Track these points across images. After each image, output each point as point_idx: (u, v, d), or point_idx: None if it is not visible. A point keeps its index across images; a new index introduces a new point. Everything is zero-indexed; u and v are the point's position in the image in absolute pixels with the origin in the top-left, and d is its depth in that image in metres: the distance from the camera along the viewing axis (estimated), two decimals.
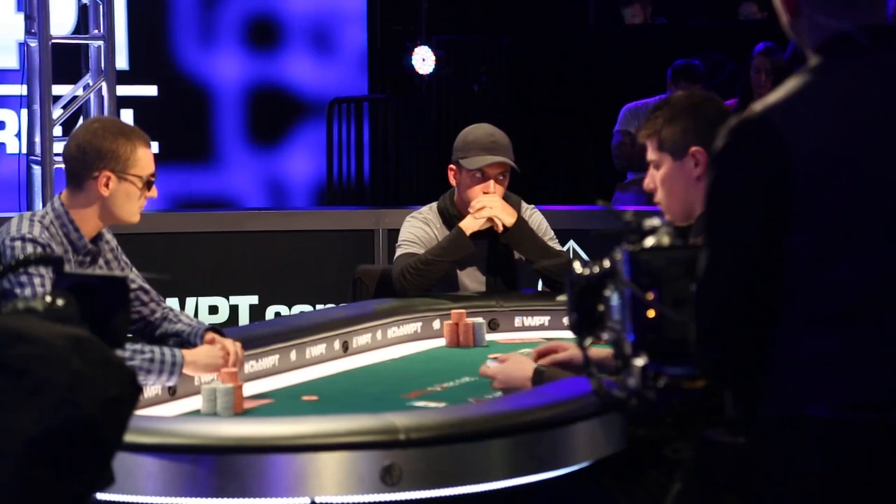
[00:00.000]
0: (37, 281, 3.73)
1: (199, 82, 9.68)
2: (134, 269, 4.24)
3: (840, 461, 2.32)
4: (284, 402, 3.95)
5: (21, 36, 7.34)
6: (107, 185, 3.98)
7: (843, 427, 2.31)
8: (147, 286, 4.21)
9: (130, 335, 4.14)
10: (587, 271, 2.43)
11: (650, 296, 2.29)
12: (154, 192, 4.07)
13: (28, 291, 3.71)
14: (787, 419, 2.36)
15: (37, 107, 7.00)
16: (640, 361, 2.31)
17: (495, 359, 3.99)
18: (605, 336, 2.43)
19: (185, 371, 3.90)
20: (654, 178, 3.63)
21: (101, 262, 4.09)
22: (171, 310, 4.25)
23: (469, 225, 5.12)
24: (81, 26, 7.52)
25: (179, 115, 9.60)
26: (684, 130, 3.57)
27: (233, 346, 4.00)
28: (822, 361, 2.33)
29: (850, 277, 2.33)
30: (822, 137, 2.35)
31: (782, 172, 2.33)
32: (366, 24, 9.98)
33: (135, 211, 4.05)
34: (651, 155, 3.63)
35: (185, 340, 4.09)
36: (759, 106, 2.43)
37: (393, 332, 4.93)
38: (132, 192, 4.00)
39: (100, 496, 2.06)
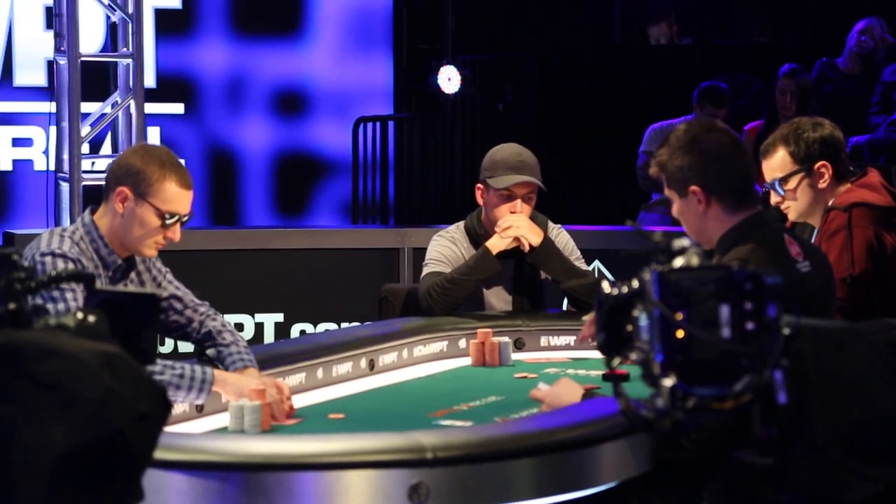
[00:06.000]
0: (69, 296, 3.74)
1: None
2: (169, 274, 4.19)
3: None
4: (311, 420, 3.95)
5: (50, 53, 7.38)
6: (122, 203, 3.92)
7: None
8: (180, 294, 4.16)
9: (165, 345, 4.13)
10: (616, 291, 2.42)
11: (679, 316, 2.29)
12: (175, 235, 3.95)
13: (61, 306, 3.71)
14: None
15: (65, 124, 7.03)
16: (668, 382, 2.31)
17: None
18: (634, 356, 2.43)
19: (216, 388, 3.89)
20: (675, 213, 3.70)
21: (132, 275, 4.07)
22: (213, 318, 4.18)
23: (496, 244, 5.12)
24: (110, 44, 7.56)
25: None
26: (681, 168, 3.63)
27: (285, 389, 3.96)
28: None
29: None
30: None
31: None
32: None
33: (148, 243, 3.95)
34: (665, 192, 3.71)
35: (221, 361, 4.08)
36: None
37: (419, 350, 4.94)
38: (147, 220, 3.91)
39: None
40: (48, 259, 3.87)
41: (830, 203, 4.42)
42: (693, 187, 3.60)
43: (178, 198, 3.94)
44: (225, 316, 7.00)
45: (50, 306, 3.67)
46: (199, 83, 9.60)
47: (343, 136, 9.86)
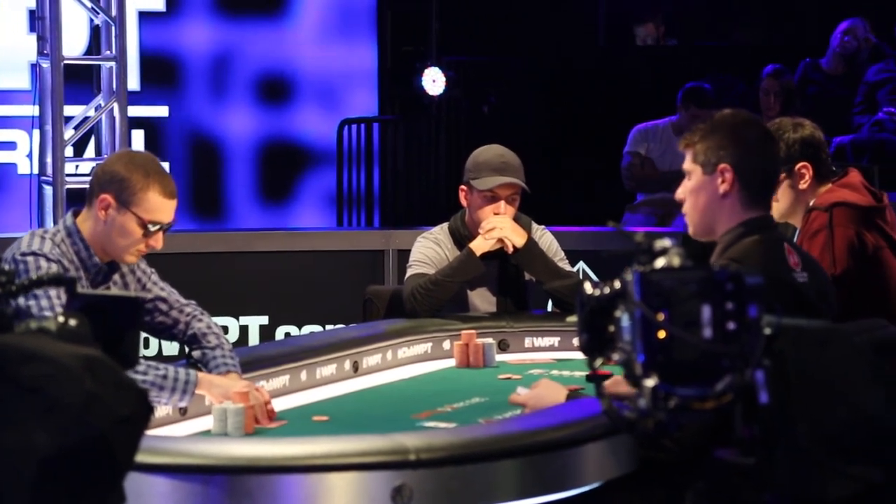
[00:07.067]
0: (52, 293, 3.73)
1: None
2: (154, 275, 4.17)
3: None
4: (295, 423, 3.95)
5: (33, 56, 7.37)
6: (105, 210, 3.91)
7: None
8: (165, 294, 4.15)
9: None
10: (598, 292, 2.43)
11: (661, 316, 2.29)
12: (157, 243, 3.94)
13: (44, 302, 3.71)
14: None
15: (48, 127, 7.02)
16: (650, 382, 2.31)
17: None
18: (616, 357, 2.43)
19: (200, 391, 3.89)
20: (684, 188, 3.66)
21: (115, 277, 4.06)
22: (199, 319, 4.16)
23: (479, 245, 5.13)
24: (93, 47, 7.55)
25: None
26: (718, 146, 3.60)
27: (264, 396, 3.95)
28: None
29: None
30: None
31: None
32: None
33: (131, 251, 3.93)
34: (685, 165, 3.67)
35: (205, 364, 4.08)
36: None
37: (403, 352, 4.94)
38: (128, 229, 3.90)
39: None
40: (29, 259, 3.86)
41: (811, 203, 4.43)
42: (724, 165, 3.58)
43: (161, 207, 3.92)
44: None
45: (32, 302, 3.68)
46: (182, 65, 9.59)
47: (327, 124, 9.85)
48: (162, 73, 9.45)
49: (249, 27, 9.73)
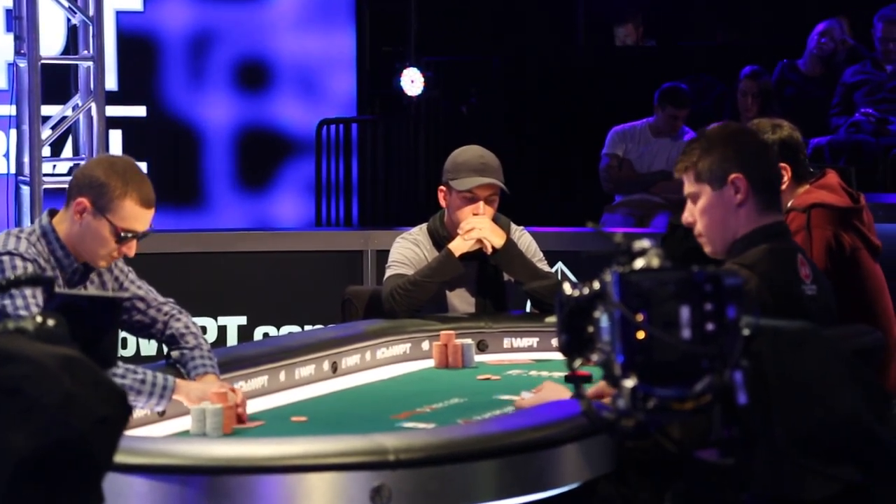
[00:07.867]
0: (28, 292, 3.72)
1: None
2: (131, 274, 4.15)
3: None
4: (273, 423, 3.94)
5: (10, 56, 7.34)
6: (81, 214, 3.89)
7: None
8: (143, 293, 4.13)
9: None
10: (577, 292, 2.43)
11: (640, 317, 2.30)
12: (130, 251, 3.92)
13: (20, 302, 3.69)
14: None
15: (26, 127, 6.99)
16: (629, 383, 2.31)
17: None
18: (595, 357, 2.44)
19: (177, 396, 3.88)
20: (692, 212, 3.60)
21: (92, 276, 4.04)
22: (178, 319, 4.13)
23: (458, 246, 5.13)
24: (71, 47, 7.52)
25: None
26: (722, 159, 3.55)
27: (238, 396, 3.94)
28: None
29: None
30: None
31: None
32: (355, 69, 10.01)
33: (102, 255, 3.92)
34: (688, 188, 3.60)
35: (183, 364, 4.07)
36: None
37: (382, 353, 4.94)
38: (102, 235, 3.88)
39: None
40: (5, 259, 3.85)
41: (789, 204, 4.44)
42: (735, 175, 3.53)
43: (136, 216, 3.90)
44: None
45: (8, 302, 3.67)
46: (159, 51, 9.58)
47: (306, 111, 9.83)
48: (140, 59, 9.42)
49: (227, 12, 9.72)
